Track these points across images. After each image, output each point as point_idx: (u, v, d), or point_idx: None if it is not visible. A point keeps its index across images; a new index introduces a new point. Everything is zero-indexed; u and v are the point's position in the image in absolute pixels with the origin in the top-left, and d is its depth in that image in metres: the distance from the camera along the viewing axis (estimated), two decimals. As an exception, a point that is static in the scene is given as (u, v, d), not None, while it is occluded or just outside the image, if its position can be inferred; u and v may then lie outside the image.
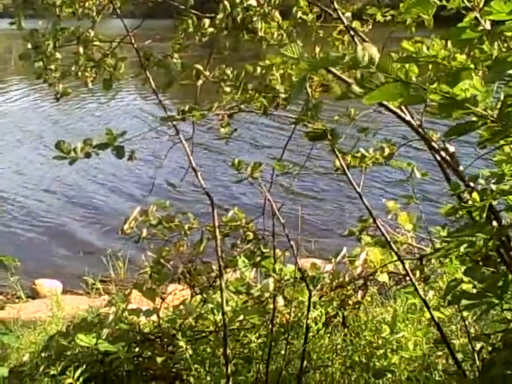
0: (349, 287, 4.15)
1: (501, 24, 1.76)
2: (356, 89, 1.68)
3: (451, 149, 3.09)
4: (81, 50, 3.52)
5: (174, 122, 3.46)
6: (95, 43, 3.53)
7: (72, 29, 3.47)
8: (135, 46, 3.62)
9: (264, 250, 3.87)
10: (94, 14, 3.51)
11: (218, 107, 3.08)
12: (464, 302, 2.23)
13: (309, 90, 3.21)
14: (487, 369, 2.45)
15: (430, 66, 2.30)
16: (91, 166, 14.79)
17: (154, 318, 4.14)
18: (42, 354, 4.17)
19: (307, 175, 10.63)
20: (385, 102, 3.17)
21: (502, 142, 2.43)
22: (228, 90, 3.16)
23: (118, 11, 3.68)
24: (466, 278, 2.54)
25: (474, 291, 2.38)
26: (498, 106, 1.87)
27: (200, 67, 3.27)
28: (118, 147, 2.98)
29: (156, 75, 3.67)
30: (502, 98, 1.89)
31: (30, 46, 3.47)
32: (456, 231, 2.50)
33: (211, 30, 3.24)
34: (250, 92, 3.12)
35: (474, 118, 1.83)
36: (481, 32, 1.83)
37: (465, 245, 2.49)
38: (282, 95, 3.09)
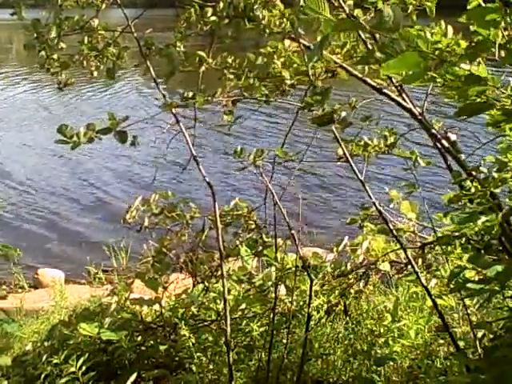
0: (350, 276, 4.16)
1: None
2: (377, 54, 1.67)
3: (453, 137, 3.09)
4: (85, 39, 3.51)
5: (174, 112, 3.45)
6: (100, 32, 3.52)
7: (76, 18, 3.46)
8: (135, 35, 3.60)
9: (266, 239, 3.87)
10: (100, 0, 3.49)
11: (221, 93, 3.07)
12: (468, 285, 2.23)
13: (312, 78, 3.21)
14: (489, 353, 2.45)
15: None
16: (93, 155, 14.81)
17: (157, 307, 4.15)
18: (45, 343, 4.19)
19: (309, 164, 10.60)
20: (386, 91, 3.17)
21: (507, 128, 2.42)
22: (231, 76, 3.15)
23: (119, 1, 3.67)
24: (469, 265, 2.55)
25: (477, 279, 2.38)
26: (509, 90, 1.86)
27: (203, 54, 3.27)
28: (121, 132, 2.97)
29: (158, 65, 3.66)
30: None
31: (35, 35, 3.45)
32: (466, 217, 2.48)
33: (214, 18, 3.23)
34: (253, 80, 3.11)
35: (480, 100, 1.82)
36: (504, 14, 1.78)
37: (483, 218, 2.45)
38: (288, 82, 3.08)
